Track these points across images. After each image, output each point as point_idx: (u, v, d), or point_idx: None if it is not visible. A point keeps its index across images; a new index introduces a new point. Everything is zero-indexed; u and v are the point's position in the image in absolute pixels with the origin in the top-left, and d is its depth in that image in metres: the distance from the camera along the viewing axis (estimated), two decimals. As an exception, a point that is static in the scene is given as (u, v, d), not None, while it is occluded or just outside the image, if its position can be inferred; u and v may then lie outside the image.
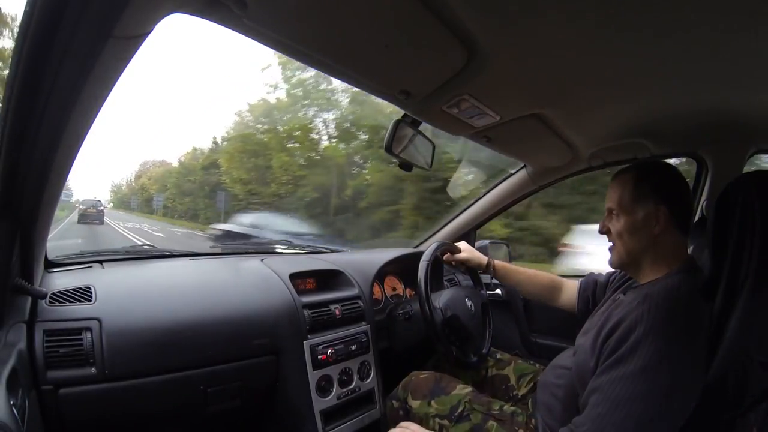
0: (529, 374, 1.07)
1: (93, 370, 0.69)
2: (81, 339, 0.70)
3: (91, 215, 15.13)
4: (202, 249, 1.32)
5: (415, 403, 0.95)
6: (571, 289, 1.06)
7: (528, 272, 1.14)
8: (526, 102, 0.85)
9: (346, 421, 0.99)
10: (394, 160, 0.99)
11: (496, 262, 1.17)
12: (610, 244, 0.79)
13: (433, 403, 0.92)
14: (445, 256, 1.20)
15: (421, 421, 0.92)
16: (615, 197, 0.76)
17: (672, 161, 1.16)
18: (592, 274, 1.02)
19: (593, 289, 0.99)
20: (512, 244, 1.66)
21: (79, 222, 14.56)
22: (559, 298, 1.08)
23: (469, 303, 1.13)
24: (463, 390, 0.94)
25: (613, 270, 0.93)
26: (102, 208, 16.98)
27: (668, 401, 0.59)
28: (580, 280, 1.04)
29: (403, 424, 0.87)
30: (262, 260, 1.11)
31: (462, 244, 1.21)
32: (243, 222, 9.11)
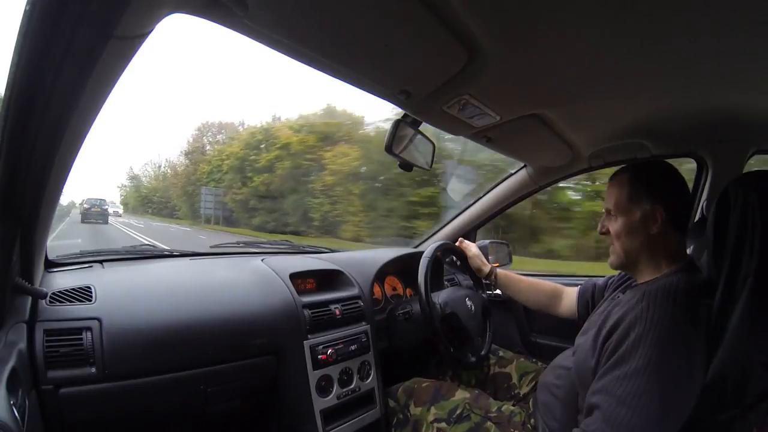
0: (531, 373, 1.07)
1: (93, 369, 0.69)
2: (81, 339, 0.70)
3: (94, 214, 15.14)
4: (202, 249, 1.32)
5: (416, 410, 0.96)
6: (570, 296, 1.07)
7: (530, 281, 1.14)
8: (526, 102, 0.85)
9: (346, 421, 0.99)
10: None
11: (499, 270, 1.19)
12: (610, 246, 0.79)
13: (433, 409, 0.93)
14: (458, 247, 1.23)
15: (422, 427, 0.93)
16: (612, 198, 0.77)
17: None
18: (590, 279, 1.03)
19: (592, 292, 0.99)
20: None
21: (82, 221, 14.52)
22: (559, 306, 1.08)
23: (469, 303, 1.13)
24: (462, 395, 0.94)
25: (611, 275, 0.94)
26: (107, 207, 16.77)
27: (672, 395, 0.59)
28: (579, 286, 1.05)
29: None
30: (262, 260, 1.11)
31: (472, 248, 1.22)
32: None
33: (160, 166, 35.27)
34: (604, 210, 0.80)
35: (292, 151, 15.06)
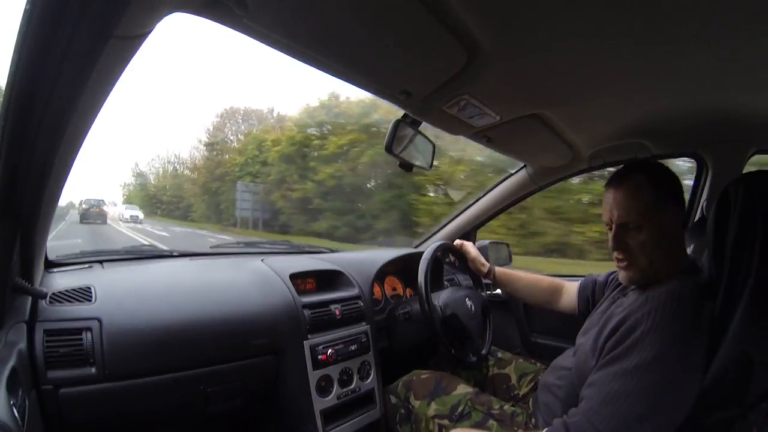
0: (530, 374, 1.07)
1: (93, 370, 0.69)
2: (81, 339, 0.70)
3: (93, 215, 14.99)
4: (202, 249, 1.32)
5: (416, 403, 0.95)
6: (570, 291, 1.06)
7: (529, 278, 1.14)
8: (526, 102, 0.85)
9: (346, 421, 0.99)
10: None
11: (497, 269, 1.18)
12: (624, 261, 0.72)
13: (433, 404, 0.92)
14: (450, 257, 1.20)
15: (422, 422, 0.92)
16: (633, 207, 0.69)
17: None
18: (591, 274, 1.03)
19: (592, 288, 0.99)
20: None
21: (81, 222, 14.43)
22: (559, 301, 1.08)
23: (469, 303, 1.13)
24: (464, 390, 0.94)
25: (612, 270, 0.92)
26: (105, 207, 16.65)
27: (659, 401, 0.59)
28: (579, 281, 1.04)
29: None
30: (262, 260, 1.11)
31: (470, 248, 1.22)
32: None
33: (168, 162, 30.63)
34: (612, 225, 0.72)
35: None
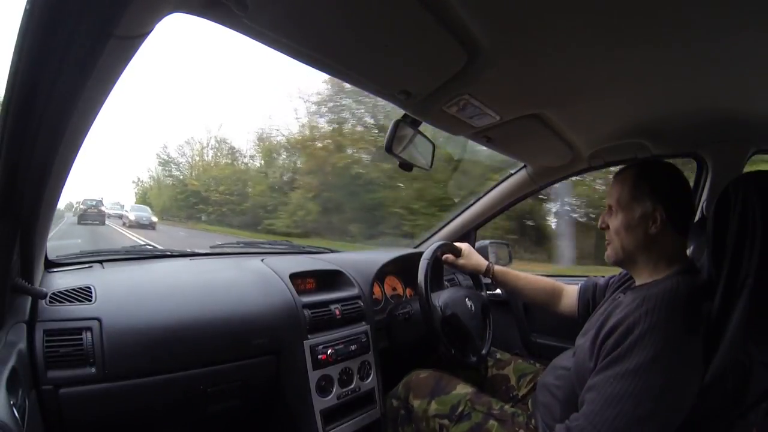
0: (529, 374, 1.07)
1: (93, 369, 0.69)
2: (81, 339, 0.70)
3: (92, 215, 14.88)
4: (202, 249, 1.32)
5: (416, 402, 0.95)
6: (571, 294, 1.06)
7: (528, 278, 1.13)
8: (526, 102, 0.85)
9: (346, 421, 0.99)
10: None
11: (496, 267, 1.16)
12: (607, 240, 0.80)
13: (433, 403, 0.92)
14: (444, 257, 1.19)
15: (422, 421, 0.92)
16: (615, 194, 0.78)
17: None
18: (591, 278, 1.03)
19: (593, 291, 0.99)
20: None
21: (79, 223, 14.37)
22: (559, 303, 1.08)
23: (469, 303, 1.13)
24: (463, 389, 0.94)
25: (612, 274, 0.94)
26: (104, 207, 16.48)
27: (660, 401, 0.59)
28: (579, 284, 1.04)
29: None
30: (262, 260, 1.11)
31: (464, 247, 1.20)
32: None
33: (211, 147, 20.46)
34: (606, 205, 0.81)
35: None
